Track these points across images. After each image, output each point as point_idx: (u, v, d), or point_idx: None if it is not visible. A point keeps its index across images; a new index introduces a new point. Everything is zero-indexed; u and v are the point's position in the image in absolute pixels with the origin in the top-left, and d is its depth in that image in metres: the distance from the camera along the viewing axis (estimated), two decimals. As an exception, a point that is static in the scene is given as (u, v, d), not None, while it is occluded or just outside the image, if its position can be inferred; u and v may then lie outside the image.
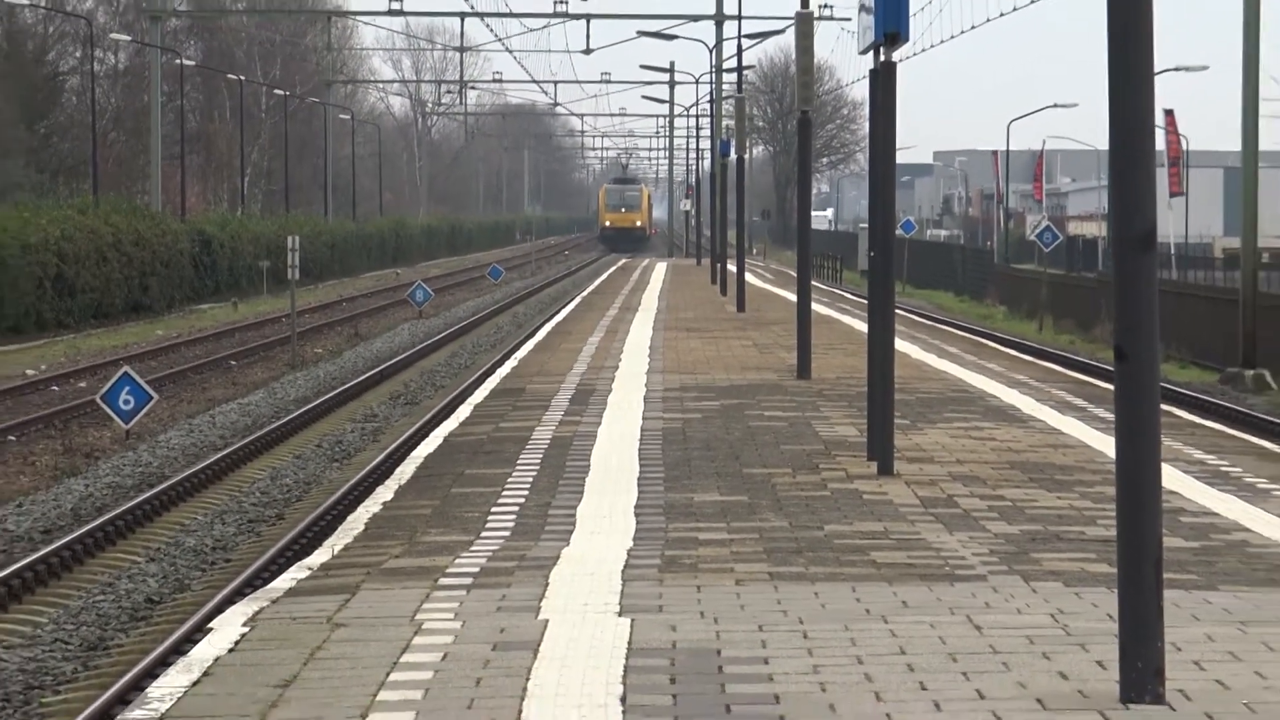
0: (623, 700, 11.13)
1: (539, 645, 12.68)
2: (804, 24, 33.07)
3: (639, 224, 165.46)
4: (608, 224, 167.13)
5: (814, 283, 37.95)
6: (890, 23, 20.90)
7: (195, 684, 11.84)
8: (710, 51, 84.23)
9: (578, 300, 73.84)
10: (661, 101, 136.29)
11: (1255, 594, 14.62)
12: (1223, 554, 16.68)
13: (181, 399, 46.44)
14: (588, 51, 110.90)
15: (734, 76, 76.39)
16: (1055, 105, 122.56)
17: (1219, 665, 11.96)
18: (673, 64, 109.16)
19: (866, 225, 31.20)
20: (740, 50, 74.02)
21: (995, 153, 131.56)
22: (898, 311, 26.02)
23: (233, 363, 57.94)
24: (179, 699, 11.48)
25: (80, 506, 29.91)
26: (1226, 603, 14.13)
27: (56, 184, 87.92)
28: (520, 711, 10.90)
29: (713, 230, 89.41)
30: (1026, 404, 31.35)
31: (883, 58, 21.60)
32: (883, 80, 21.93)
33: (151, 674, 16.22)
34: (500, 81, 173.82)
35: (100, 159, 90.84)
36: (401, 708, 11.03)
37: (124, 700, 15.81)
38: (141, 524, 28.39)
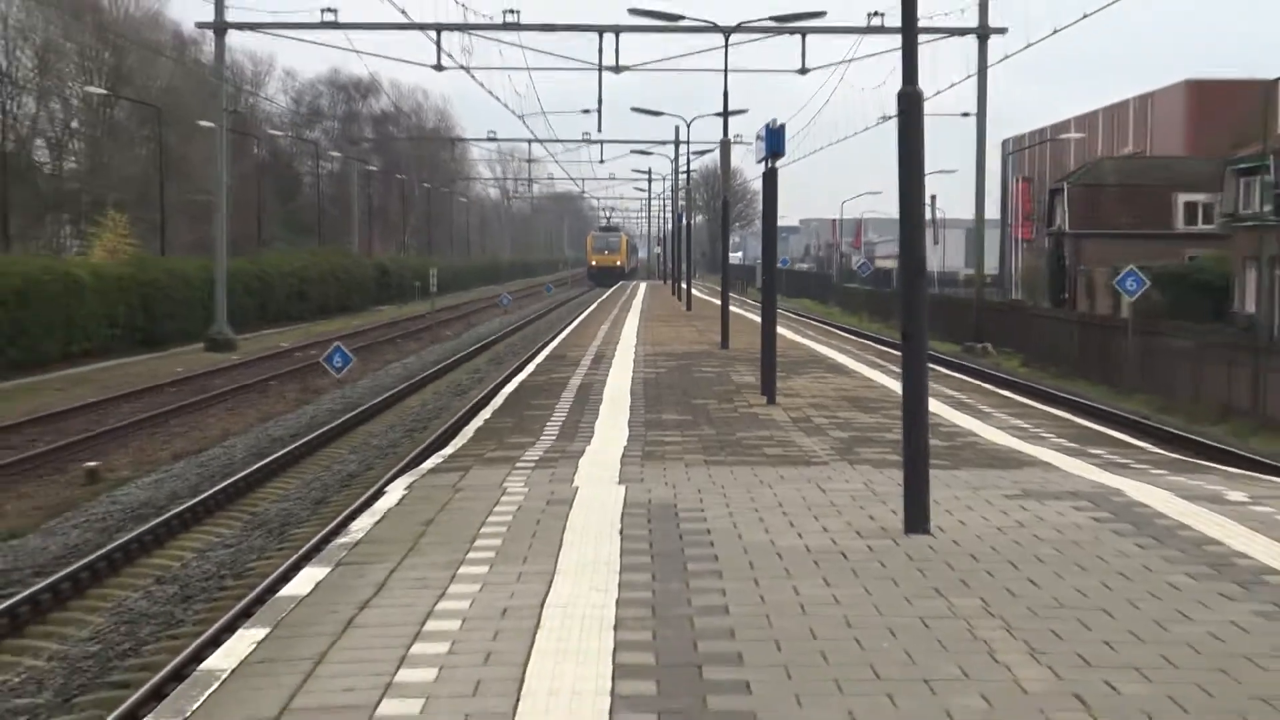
0: (620, 532, 11.18)
1: (573, 501, 12.72)
2: (725, 148, 33.08)
3: (619, 263, 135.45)
4: (594, 264, 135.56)
5: (730, 294, 38.01)
6: (773, 146, 20.89)
7: (377, 523, 11.89)
8: (673, 162, 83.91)
9: (595, 305, 73.81)
10: (644, 190, 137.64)
11: (981, 471, 14.68)
12: (962, 449, 16.73)
13: (369, 360, 46.39)
14: (601, 161, 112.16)
15: (689, 175, 76.63)
16: (870, 192, 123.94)
17: (961, 512, 12.01)
18: (650, 169, 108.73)
19: (762, 261, 31.20)
20: (689, 161, 74.11)
21: (834, 220, 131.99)
22: (778, 311, 26.02)
23: (398, 340, 57.94)
24: (368, 530, 11.53)
25: (312, 422, 29.99)
26: (965, 477, 14.19)
27: (299, 238, 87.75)
28: (562, 538, 10.93)
29: (673, 264, 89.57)
30: (851, 364, 31.38)
31: (769, 165, 21.61)
32: (769, 179, 21.94)
33: (352, 517, 16.27)
34: (551, 179, 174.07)
35: (322, 223, 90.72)
36: (494, 535, 11.08)
37: (336, 532, 15.88)
38: (346, 432, 28.48)
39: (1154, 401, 34.87)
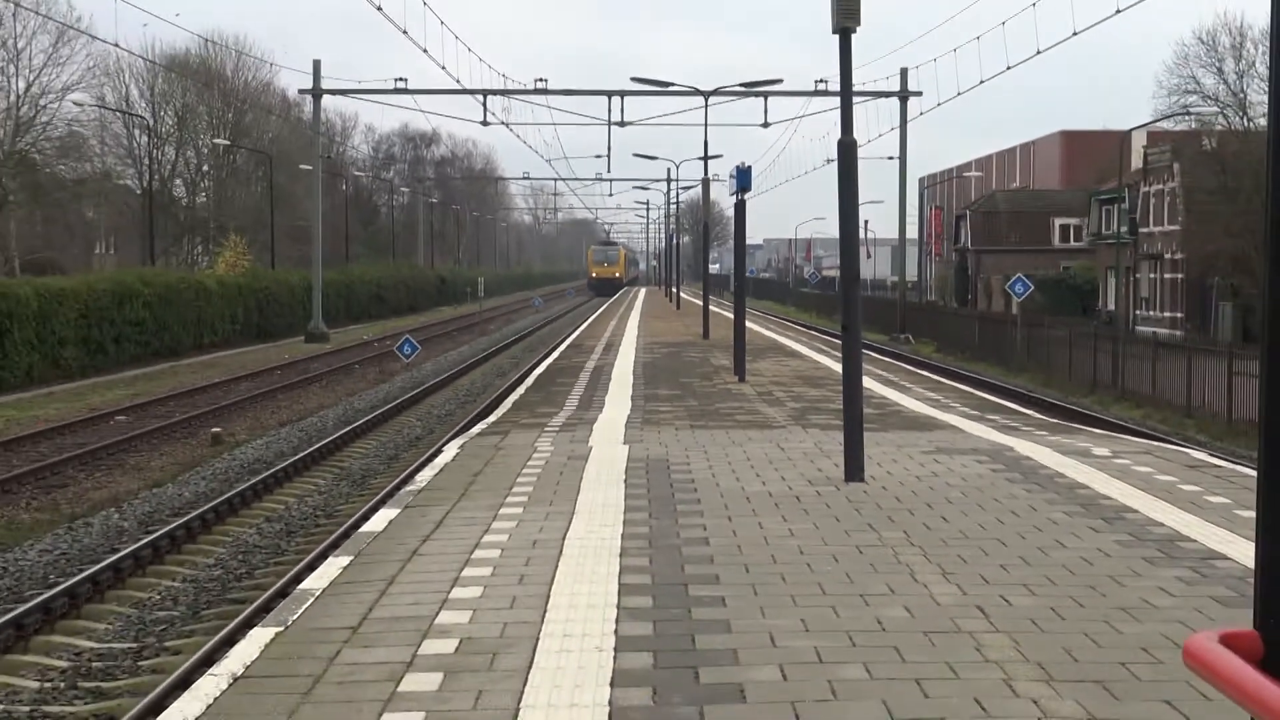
0: (624, 481, 11.11)
1: (588, 457, 12.67)
2: (705, 185, 33.02)
3: (617, 275, 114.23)
4: (594, 275, 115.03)
5: (710, 296, 37.95)
6: (742, 184, 20.85)
7: (437, 474, 11.83)
8: (665, 195, 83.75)
9: (606, 305, 73.66)
10: (644, 216, 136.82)
11: (904, 434, 14.64)
12: (890, 416, 16.69)
13: (431, 349, 46.20)
14: (610, 195, 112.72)
15: (678, 205, 76.41)
16: (817, 218, 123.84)
17: (889, 464, 11.95)
18: (648, 200, 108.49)
19: (734, 271, 31.14)
20: (678, 195, 73.81)
21: (790, 239, 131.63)
22: (748, 310, 25.97)
23: (454, 333, 57.66)
24: (429, 480, 11.48)
25: (386, 396, 29.81)
26: (892, 438, 14.14)
27: (376, 254, 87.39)
28: (580, 485, 10.87)
29: (665, 274, 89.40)
30: (804, 350, 31.34)
31: (739, 198, 21.53)
32: (739, 208, 21.88)
33: (417, 470, 16.20)
34: (571, 209, 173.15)
35: (395, 243, 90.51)
36: (527, 484, 11.01)
37: (405, 482, 15.79)
38: (413, 405, 28.32)
39: (1037, 378, 34.79)
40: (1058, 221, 67.92)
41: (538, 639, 6.30)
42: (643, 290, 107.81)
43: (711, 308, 37.61)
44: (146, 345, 37.75)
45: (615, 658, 5.96)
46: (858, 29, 11.06)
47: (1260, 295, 1.45)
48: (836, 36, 11.17)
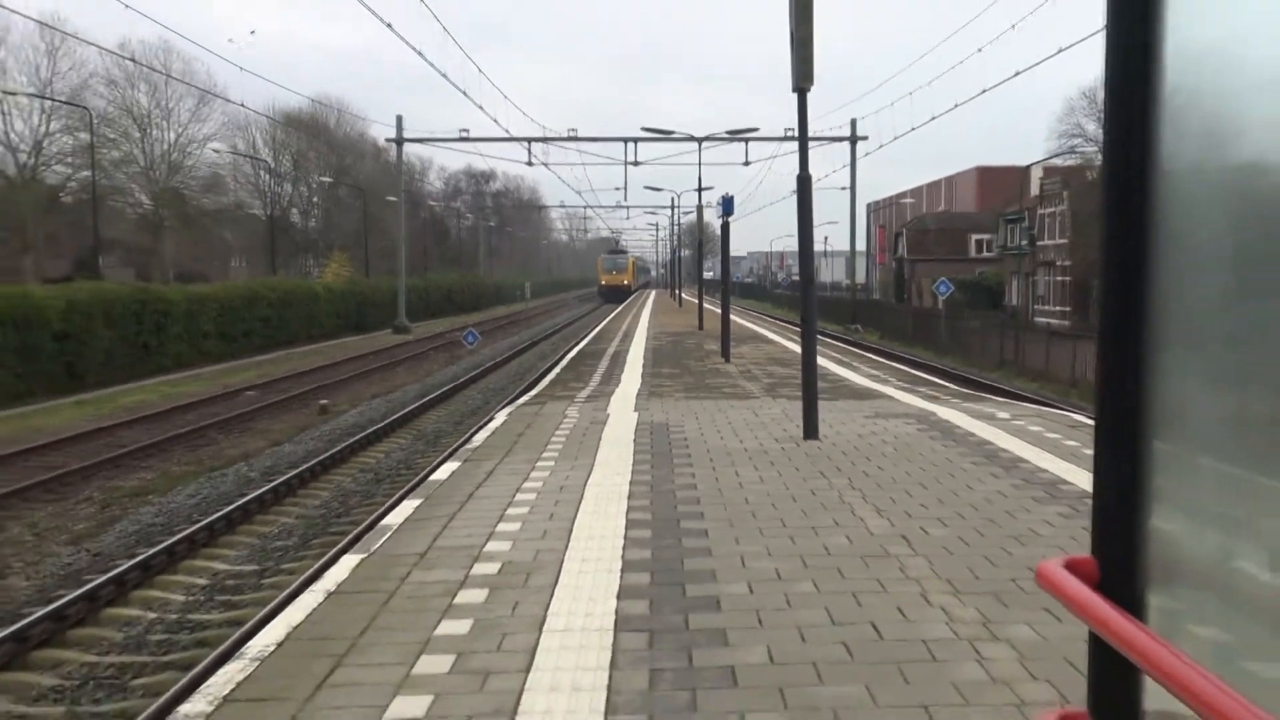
0: (633, 441, 11.08)
1: (606, 422, 12.63)
2: (699, 210, 32.87)
3: (626, 283, 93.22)
4: (603, 283, 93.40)
5: (705, 297, 37.81)
6: (727, 210, 20.76)
7: (489, 437, 11.79)
8: (670, 218, 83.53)
9: (622, 306, 73.37)
10: (653, 235, 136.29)
11: (850, 402, 14.55)
12: (839, 388, 16.59)
13: (490, 338, 46.06)
14: (628, 218, 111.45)
15: (679, 226, 76.17)
16: (788, 235, 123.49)
17: (838, 426, 11.89)
18: (657, 223, 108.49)
19: (721, 277, 31.01)
20: (679, 218, 73.66)
21: (767, 251, 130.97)
22: (733, 307, 25.83)
23: (507, 326, 57.32)
24: (484, 440, 11.43)
25: (454, 375, 29.65)
26: (840, 405, 14.06)
27: (448, 266, 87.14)
28: (599, 444, 10.85)
29: (671, 279, 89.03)
30: (776, 338, 31.18)
31: (725, 221, 21.42)
32: (725, 229, 21.76)
33: (475, 433, 16.17)
34: (598, 230, 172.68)
35: (461, 257, 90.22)
36: (559, 443, 10.97)
37: (465, 442, 15.75)
38: (474, 382, 28.13)
39: (958, 359, 34.63)
40: (974, 237, 67.63)
41: (562, 562, 6.30)
42: (653, 293, 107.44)
43: (705, 306, 37.49)
44: (270, 337, 37.84)
45: (621, 577, 5.96)
46: (811, 88, 10.99)
47: (1100, 300, 1.45)
48: (795, 94, 11.10)
